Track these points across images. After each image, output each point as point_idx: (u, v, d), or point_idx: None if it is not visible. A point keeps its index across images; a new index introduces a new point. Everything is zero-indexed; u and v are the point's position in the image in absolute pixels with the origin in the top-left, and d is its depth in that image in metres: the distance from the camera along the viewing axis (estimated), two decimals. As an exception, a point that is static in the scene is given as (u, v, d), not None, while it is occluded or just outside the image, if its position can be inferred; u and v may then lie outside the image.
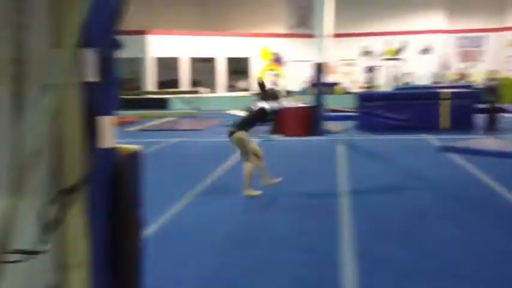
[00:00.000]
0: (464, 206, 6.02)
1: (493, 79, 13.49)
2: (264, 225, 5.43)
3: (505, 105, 16.86)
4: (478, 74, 25.16)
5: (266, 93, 6.93)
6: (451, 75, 26.09)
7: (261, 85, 7.22)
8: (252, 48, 25.49)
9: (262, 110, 6.74)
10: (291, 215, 5.76)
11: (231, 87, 25.57)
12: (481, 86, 18.97)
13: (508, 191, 6.51)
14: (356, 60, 27.35)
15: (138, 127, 15.40)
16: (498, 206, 6.00)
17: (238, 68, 25.76)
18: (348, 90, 22.97)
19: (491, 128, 12.13)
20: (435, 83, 25.15)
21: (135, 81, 23.95)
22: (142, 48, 23.76)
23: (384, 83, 26.61)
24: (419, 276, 4.02)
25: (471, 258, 4.34)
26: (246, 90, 24.57)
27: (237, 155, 7.41)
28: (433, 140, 11.14)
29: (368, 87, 26.22)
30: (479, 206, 6.01)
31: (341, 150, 10.17)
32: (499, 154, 8.90)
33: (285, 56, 26.45)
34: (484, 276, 3.97)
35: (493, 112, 12.33)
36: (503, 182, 6.97)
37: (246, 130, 6.63)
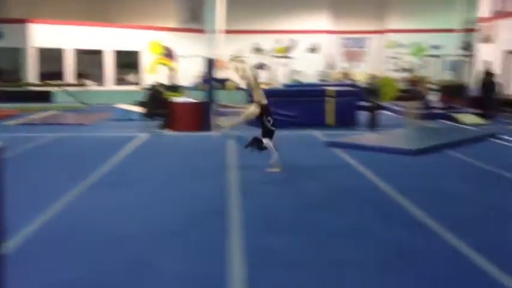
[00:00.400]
0: (346, 197, 6.30)
1: (374, 79, 14.27)
2: (150, 219, 5.29)
3: (385, 104, 17.96)
4: (361, 74, 26.56)
5: None
6: (336, 74, 27.29)
7: None
8: (142, 41, 24.89)
9: None
10: (178, 209, 5.68)
11: (120, 81, 24.79)
12: (364, 85, 20.04)
13: (385, 183, 6.91)
14: (247, 57, 27.71)
15: (17, 121, 14.43)
16: (376, 197, 6.34)
17: (127, 61, 25.04)
18: (239, 87, 23.18)
19: (373, 124, 12.84)
20: (321, 81, 26.18)
21: (15, 72, 22.47)
22: (23, 37, 22.31)
23: (274, 80, 27.22)
24: (305, 267, 4.13)
25: (353, 248, 4.54)
26: (136, 84, 23.95)
27: (123, 152, 7.17)
28: (320, 135, 11.56)
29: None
30: (360, 197, 6.32)
31: (231, 145, 10.23)
32: (379, 149, 9.44)
33: (176, 51, 26.14)
34: (366, 264, 4.16)
35: (374, 110, 13.06)
36: (381, 175, 7.39)
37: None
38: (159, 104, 13.09)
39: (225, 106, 16.37)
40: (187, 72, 24.51)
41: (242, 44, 27.15)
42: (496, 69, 18.72)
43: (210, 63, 13.09)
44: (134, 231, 4.97)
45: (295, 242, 4.67)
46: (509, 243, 4.74)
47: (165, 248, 4.54)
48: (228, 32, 25.14)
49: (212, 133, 12.06)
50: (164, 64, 24.55)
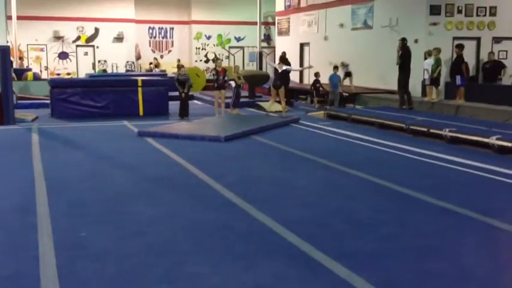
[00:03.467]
0: (161, 186, 6.34)
1: (182, 69, 14.36)
2: None
3: (195, 93, 18.35)
4: (169, 64, 26.68)
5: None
6: (144, 64, 27.02)
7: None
8: None
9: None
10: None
11: None
12: (173, 75, 20.18)
13: (198, 169, 7.11)
14: (47, 46, 25.95)
15: None
16: (190, 183, 6.50)
17: None
18: (40, 77, 21.61)
19: (183, 113, 13.03)
20: (128, 71, 25.69)
21: None
22: None
23: (78, 70, 25.95)
24: (121, 257, 4.08)
25: (173, 234, 4.61)
26: None
27: None
28: (131, 126, 11.39)
29: (62, 74, 25.24)
30: (173, 185, 6.42)
31: (35, 139, 9.55)
32: (189, 137, 9.65)
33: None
34: (190, 248, 4.26)
35: (184, 100, 13.24)
36: (193, 161, 7.59)
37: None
38: None
39: (23, 98, 15.19)
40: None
41: (41, 32, 25.33)
42: (293, 60, 20.29)
43: (4, 52, 11.95)
44: None
45: (107, 233, 4.59)
46: (307, 215, 5.23)
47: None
48: (23, 18, 23.27)
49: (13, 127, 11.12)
50: None
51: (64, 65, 26.26)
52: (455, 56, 13.35)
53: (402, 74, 13.33)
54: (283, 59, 15.80)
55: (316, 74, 16.23)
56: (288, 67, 14.53)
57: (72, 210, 5.28)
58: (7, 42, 12.19)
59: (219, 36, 28.48)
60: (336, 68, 15.62)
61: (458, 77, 12.86)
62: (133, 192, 6.03)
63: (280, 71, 13.62)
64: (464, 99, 12.90)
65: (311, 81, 17.12)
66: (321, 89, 16.25)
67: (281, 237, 4.50)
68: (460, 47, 13.14)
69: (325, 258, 4.00)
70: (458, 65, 12.97)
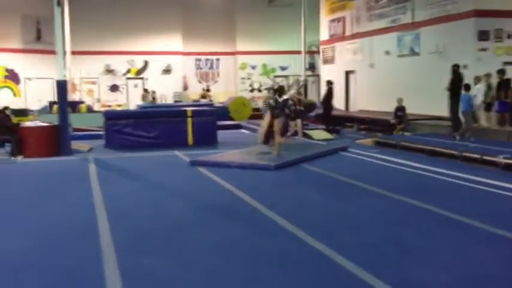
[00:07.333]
0: (216, 214, 6.49)
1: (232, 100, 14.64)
2: (15, 253, 5.00)
3: (241, 122, 18.65)
4: (216, 94, 27.22)
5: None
6: (192, 94, 27.66)
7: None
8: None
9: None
10: (45, 240, 5.43)
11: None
12: (220, 105, 20.58)
13: (250, 197, 7.23)
14: (99, 79, 26.96)
15: None
16: (244, 211, 6.62)
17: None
18: (92, 109, 22.45)
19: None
20: (176, 101, 26.33)
21: None
22: None
23: (129, 102, 26.79)
24: (184, 283, 4.22)
25: (232, 261, 4.72)
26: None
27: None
28: (182, 155, 11.67)
29: (113, 106, 26.09)
30: (228, 212, 6.55)
31: (93, 169, 9.93)
32: (240, 165, 9.81)
33: (21, 73, 24.64)
34: (239, 273, 4.36)
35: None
36: (245, 189, 7.72)
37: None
38: (7, 129, 12.20)
39: (78, 129, 15.79)
40: (36, 94, 23.22)
41: (93, 65, 26.38)
42: (338, 87, 20.38)
43: (61, 85, 12.53)
44: (-2, 264, 4.66)
45: (168, 260, 4.74)
46: (361, 243, 5.25)
47: (29, 278, 4.33)
48: (77, 52, 24.32)
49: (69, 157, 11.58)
50: (7, 87, 23.00)
51: (115, 97, 27.18)
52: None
53: (453, 100, 13.21)
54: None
55: (400, 101, 15.48)
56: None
57: (134, 238, 5.47)
58: (64, 76, 12.74)
59: (264, 65, 28.91)
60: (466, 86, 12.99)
61: (496, 103, 12.84)
62: (190, 221, 6.19)
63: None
64: (509, 124, 12.74)
65: (356, 109, 17.08)
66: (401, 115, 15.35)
67: (338, 265, 4.54)
68: (502, 72, 13.04)
69: (383, 286, 4.02)
70: (499, 90, 12.93)
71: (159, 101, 25.33)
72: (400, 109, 15.43)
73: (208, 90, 26.81)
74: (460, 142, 11.72)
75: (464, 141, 11.92)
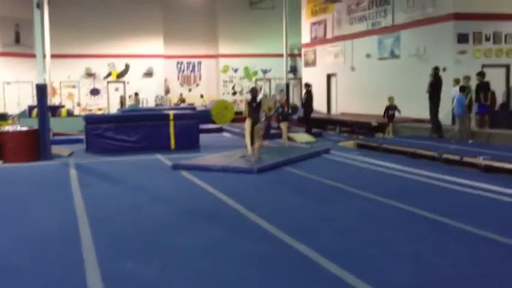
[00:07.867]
0: (198, 217, 6.45)
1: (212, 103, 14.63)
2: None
3: (224, 126, 18.62)
4: (196, 97, 27.18)
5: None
6: (173, 98, 27.54)
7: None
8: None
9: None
10: (25, 245, 5.34)
11: None
12: (202, 108, 20.52)
13: (233, 200, 7.21)
14: (79, 82, 26.72)
15: None
16: (227, 214, 6.59)
17: None
18: (72, 113, 22.22)
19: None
20: (158, 105, 26.20)
21: None
22: None
23: (109, 105, 26.59)
24: (167, 286, 4.17)
25: (215, 264, 4.69)
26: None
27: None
28: (164, 159, 11.59)
29: (94, 110, 25.87)
30: (211, 216, 6.52)
31: (73, 174, 9.81)
32: (223, 169, 9.78)
33: (0, 77, 24.30)
34: (234, 278, 4.34)
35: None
36: (228, 193, 7.69)
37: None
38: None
39: (57, 134, 15.61)
40: (15, 98, 22.90)
41: (73, 69, 26.14)
42: (320, 90, 20.47)
43: (40, 89, 12.36)
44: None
45: (150, 265, 4.69)
46: (345, 245, 5.26)
47: (9, 283, 4.26)
48: (57, 56, 24.06)
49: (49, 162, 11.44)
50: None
51: (95, 101, 26.94)
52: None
53: (432, 102, 13.36)
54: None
55: (391, 99, 14.97)
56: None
57: (116, 243, 5.41)
58: (44, 80, 12.58)
59: (246, 68, 28.92)
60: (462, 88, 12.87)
61: (476, 105, 13.05)
62: (173, 224, 6.14)
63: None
64: (488, 126, 12.91)
65: (337, 112, 17.16)
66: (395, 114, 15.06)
67: (322, 267, 4.54)
68: (481, 75, 13.24)
69: (368, 288, 4.03)
70: (478, 92, 13.14)
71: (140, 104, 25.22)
72: (392, 108, 15.01)
73: (183, 101, 26.79)
74: (455, 146, 11.54)
75: (460, 144, 11.78)
